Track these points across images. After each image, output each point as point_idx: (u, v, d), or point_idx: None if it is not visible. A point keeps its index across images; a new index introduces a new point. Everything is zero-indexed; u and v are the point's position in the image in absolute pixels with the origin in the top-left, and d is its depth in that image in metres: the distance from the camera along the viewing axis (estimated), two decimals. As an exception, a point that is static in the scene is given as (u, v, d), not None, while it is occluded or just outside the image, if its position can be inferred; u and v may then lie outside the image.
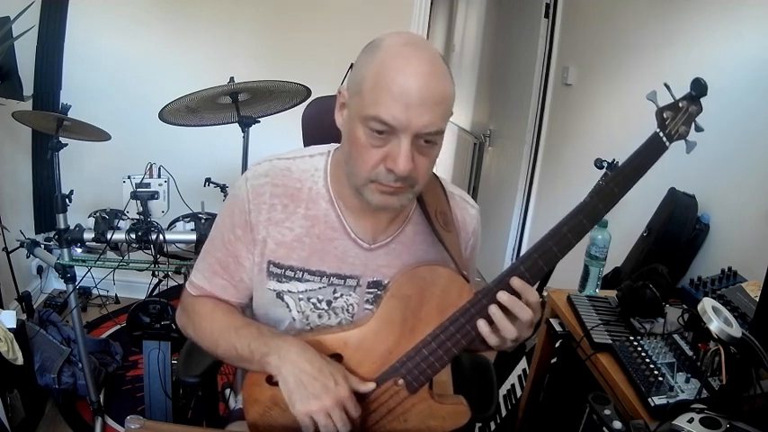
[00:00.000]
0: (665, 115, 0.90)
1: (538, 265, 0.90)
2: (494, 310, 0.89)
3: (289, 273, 1.02)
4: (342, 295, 1.04)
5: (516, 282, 0.89)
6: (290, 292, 1.03)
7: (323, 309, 1.04)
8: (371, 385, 0.95)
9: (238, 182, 1.04)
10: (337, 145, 1.03)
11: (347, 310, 1.05)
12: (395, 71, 0.84)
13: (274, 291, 1.03)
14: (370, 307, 1.04)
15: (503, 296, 0.89)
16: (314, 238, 1.01)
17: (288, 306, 1.04)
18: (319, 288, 1.03)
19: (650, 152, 0.90)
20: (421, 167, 0.89)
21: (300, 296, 1.03)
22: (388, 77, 0.84)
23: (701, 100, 0.91)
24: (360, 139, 0.88)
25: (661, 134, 0.90)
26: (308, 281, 1.02)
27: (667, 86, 0.91)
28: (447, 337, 0.93)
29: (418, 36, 0.94)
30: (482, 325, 0.91)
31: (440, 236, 1.00)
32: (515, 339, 0.91)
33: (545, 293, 1.79)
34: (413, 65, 0.85)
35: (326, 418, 0.89)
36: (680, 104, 0.91)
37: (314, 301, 1.03)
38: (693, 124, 0.92)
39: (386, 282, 1.03)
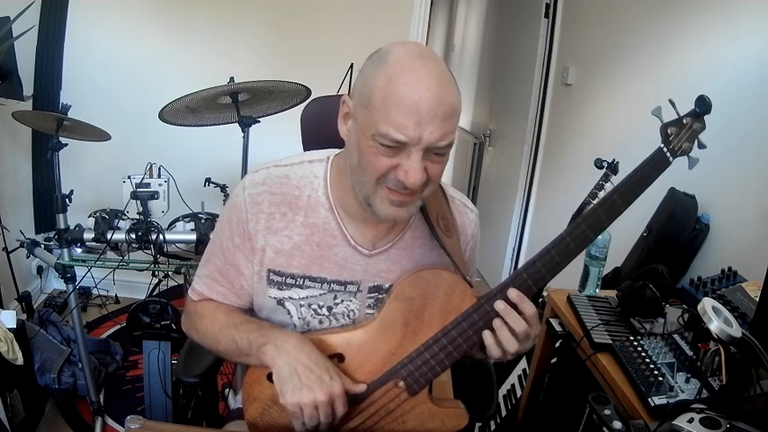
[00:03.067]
0: (669, 131, 0.91)
1: (540, 273, 0.91)
2: (497, 323, 0.90)
3: (290, 280, 1.02)
4: (342, 301, 1.04)
5: (513, 293, 0.90)
6: (290, 298, 1.03)
7: (324, 315, 1.04)
8: (362, 387, 0.96)
9: (236, 190, 1.03)
10: (336, 151, 1.03)
11: (348, 315, 1.05)
12: (405, 86, 0.83)
13: (275, 298, 1.04)
14: (372, 311, 1.04)
15: (499, 305, 0.90)
16: (313, 245, 1.01)
17: (289, 312, 1.04)
18: (320, 294, 1.03)
19: (654, 167, 0.91)
20: (431, 174, 0.89)
21: (301, 302, 1.03)
22: (398, 93, 0.83)
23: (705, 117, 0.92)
24: (369, 150, 0.87)
25: (665, 149, 0.91)
26: (308, 287, 1.02)
27: (672, 102, 0.92)
28: (449, 340, 0.93)
29: (424, 46, 0.93)
30: (487, 336, 0.91)
31: (441, 241, 1.00)
32: (516, 352, 0.92)
33: (545, 293, 1.79)
34: (422, 79, 0.83)
35: (314, 410, 0.89)
36: (684, 121, 0.91)
37: (315, 307, 1.03)
38: (697, 141, 0.92)
39: (387, 285, 1.03)
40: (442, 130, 0.84)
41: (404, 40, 0.91)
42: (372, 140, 0.86)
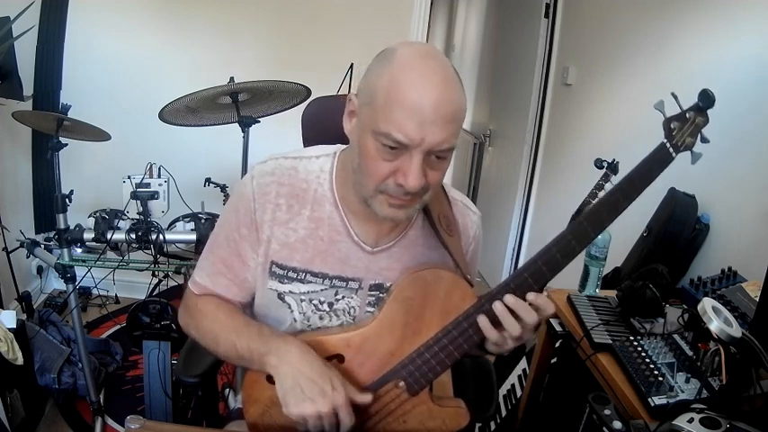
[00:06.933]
0: (672, 126, 0.90)
1: (541, 272, 0.90)
2: (499, 307, 0.89)
3: (291, 274, 1.02)
4: (343, 297, 1.04)
5: (530, 296, 0.89)
6: (291, 293, 1.03)
7: (324, 310, 1.04)
8: (368, 397, 0.95)
9: (244, 179, 1.03)
10: (343, 146, 1.03)
11: (348, 312, 1.04)
12: (408, 86, 0.83)
13: (276, 291, 1.03)
14: (372, 309, 1.04)
15: (509, 299, 0.88)
16: (317, 240, 1.01)
17: (290, 307, 1.04)
18: (321, 290, 1.03)
19: (656, 162, 0.89)
20: (431, 180, 0.89)
21: (302, 297, 1.03)
22: (401, 93, 0.83)
23: (708, 111, 0.90)
24: (370, 151, 0.87)
25: (668, 144, 0.89)
26: (310, 282, 1.02)
27: (675, 96, 0.90)
28: (449, 340, 0.93)
29: (431, 47, 0.92)
30: (483, 320, 0.90)
31: (443, 240, 1.00)
32: (518, 338, 0.90)
33: (545, 294, 1.79)
34: (426, 80, 0.83)
35: (317, 420, 0.89)
36: (687, 115, 0.90)
37: (315, 302, 1.03)
38: (699, 135, 0.91)
39: (388, 284, 1.03)
40: (446, 133, 0.84)
41: (411, 41, 0.91)
42: (374, 139, 0.86)
